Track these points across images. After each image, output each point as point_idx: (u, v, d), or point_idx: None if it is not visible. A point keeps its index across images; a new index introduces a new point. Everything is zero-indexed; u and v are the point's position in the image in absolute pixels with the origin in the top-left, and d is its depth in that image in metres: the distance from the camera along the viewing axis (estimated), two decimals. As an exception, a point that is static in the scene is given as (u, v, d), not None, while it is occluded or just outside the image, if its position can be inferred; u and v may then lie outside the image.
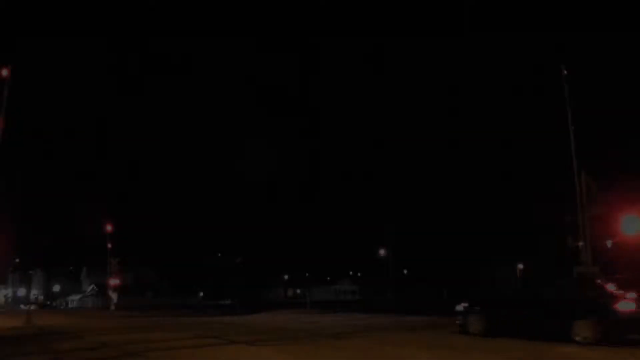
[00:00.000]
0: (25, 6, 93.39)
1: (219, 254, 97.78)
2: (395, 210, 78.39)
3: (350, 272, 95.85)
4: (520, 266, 75.67)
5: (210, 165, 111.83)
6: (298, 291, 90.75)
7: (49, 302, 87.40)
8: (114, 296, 45.20)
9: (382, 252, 77.82)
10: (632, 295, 12.52)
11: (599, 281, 14.46)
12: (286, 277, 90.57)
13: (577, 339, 11.98)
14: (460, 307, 15.07)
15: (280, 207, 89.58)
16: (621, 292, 12.78)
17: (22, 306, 74.22)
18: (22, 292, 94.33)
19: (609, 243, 17.80)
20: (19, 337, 16.54)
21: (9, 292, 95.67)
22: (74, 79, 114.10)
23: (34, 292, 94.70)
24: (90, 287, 77.69)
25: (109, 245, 43.78)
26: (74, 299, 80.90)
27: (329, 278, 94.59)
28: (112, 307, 44.67)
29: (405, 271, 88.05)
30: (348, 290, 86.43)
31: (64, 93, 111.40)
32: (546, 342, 11.87)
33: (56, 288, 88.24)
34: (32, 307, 49.03)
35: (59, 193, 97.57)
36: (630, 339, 11.93)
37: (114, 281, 44.65)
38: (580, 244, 18.39)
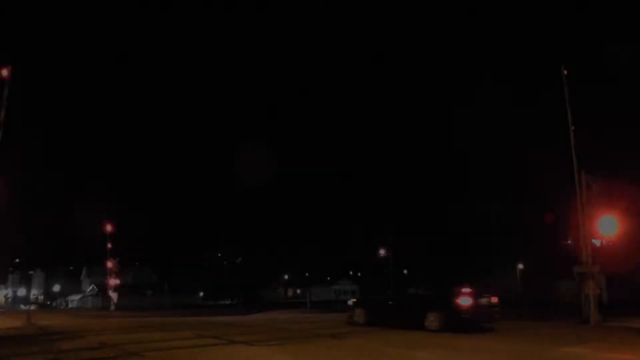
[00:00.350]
0: (27, 6, 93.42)
1: (219, 254, 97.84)
2: (395, 210, 78.42)
3: (351, 272, 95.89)
4: (520, 266, 75.67)
5: (210, 165, 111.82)
6: (298, 291, 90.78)
7: (49, 302, 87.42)
8: (114, 296, 45.18)
9: (382, 252, 77.85)
10: (468, 290, 15.92)
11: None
12: (286, 277, 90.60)
13: (428, 326, 15.48)
14: (350, 303, 19.35)
15: (280, 207, 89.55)
16: (464, 289, 15.90)
17: (22, 306, 74.24)
18: (22, 292, 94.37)
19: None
20: (18, 337, 16.53)
21: (9, 292, 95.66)
22: (74, 79, 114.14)
23: (34, 292, 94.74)
24: (90, 287, 77.71)
25: (109, 245, 43.75)
26: (74, 299, 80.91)
27: (329, 278, 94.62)
28: (112, 307, 44.67)
29: (405, 271, 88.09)
30: (348, 290, 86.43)
31: (64, 93, 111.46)
32: (407, 330, 15.35)
33: (56, 288, 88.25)
34: (32, 307, 49.04)
35: (59, 193, 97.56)
36: (468, 327, 15.05)
37: (114, 281, 44.63)
38: (580, 244, 18.39)
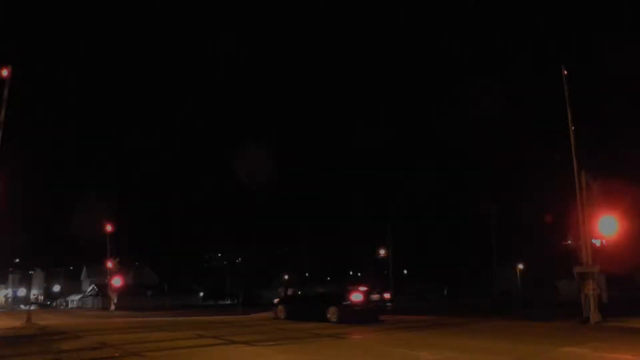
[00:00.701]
0: (29, 6, 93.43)
1: (219, 254, 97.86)
2: (395, 210, 78.41)
3: (351, 272, 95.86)
4: (520, 266, 75.65)
5: (210, 165, 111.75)
6: (299, 292, 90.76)
7: (49, 302, 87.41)
8: (113, 296, 45.19)
9: (382, 252, 77.84)
10: (362, 289, 19.54)
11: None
12: (286, 277, 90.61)
13: (329, 318, 18.70)
14: (275, 302, 23.38)
15: (280, 207, 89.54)
16: (356, 287, 19.48)
17: (22, 306, 74.27)
18: (22, 292, 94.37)
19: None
20: (19, 337, 16.54)
21: (9, 292, 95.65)
22: (73, 78, 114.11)
23: (34, 292, 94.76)
24: (90, 287, 77.68)
25: (109, 245, 43.78)
26: (74, 299, 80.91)
27: (329, 278, 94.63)
28: (112, 307, 44.69)
29: (405, 271, 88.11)
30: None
31: (64, 92, 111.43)
32: (315, 322, 18.47)
33: (56, 288, 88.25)
34: (32, 307, 49.06)
35: (59, 193, 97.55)
36: (359, 319, 18.37)
37: (114, 281, 44.63)
38: (580, 244, 18.38)
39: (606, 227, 17.26)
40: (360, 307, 18.87)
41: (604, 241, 17.74)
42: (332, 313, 18.82)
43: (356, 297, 18.96)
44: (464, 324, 18.04)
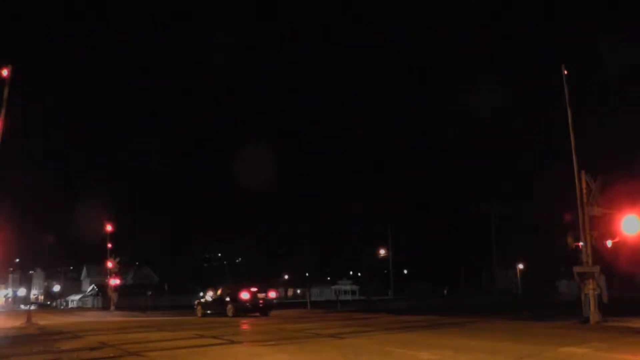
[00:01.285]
0: (29, 6, 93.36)
1: (219, 254, 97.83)
2: (395, 210, 78.36)
3: (351, 272, 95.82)
4: (520, 266, 75.60)
5: (210, 165, 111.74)
6: (298, 291, 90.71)
7: (49, 302, 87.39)
8: (113, 296, 45.15)
9: (382, 252, 77.79)
10: (253, 289, 25.74)
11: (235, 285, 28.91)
12: (286, 277, 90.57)
13: (227, 314, 24.61)
14: (195, 302, 29.83)
15: (280, 207, 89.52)
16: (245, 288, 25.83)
17: (22, 306, 74.24)
18: (22, 292, 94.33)
19: (609, 243, 17.73)
20: (18, 337, 16.54)
21: (9, 292, 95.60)
22: (73, 77, 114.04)
23: (34, 292, 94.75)
24: (90, 287, 77.67)
25: (109, 245, 43.73)
26: (74, 299, 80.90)
27: (329, 278, 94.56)
28: (112, 307, 44.67)
29: (405, 271, 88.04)
30: (348, 290, 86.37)
31: (64, 91, 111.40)
32: (221, 316, 24.58)
33: (56, 288, 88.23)
34: (32, 307, 49.05)
35: (59, 193, 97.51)
36: (249, 312, 25.24)
37: (114, 281, 44.59)
38: (580, 244, 18.36)
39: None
40: (250, 303, 25.28)
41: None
42: (229, 309, 25.09)
43: (244, 295, 25.31)
44: (464, 324, 18.03)
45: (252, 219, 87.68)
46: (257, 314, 25.30)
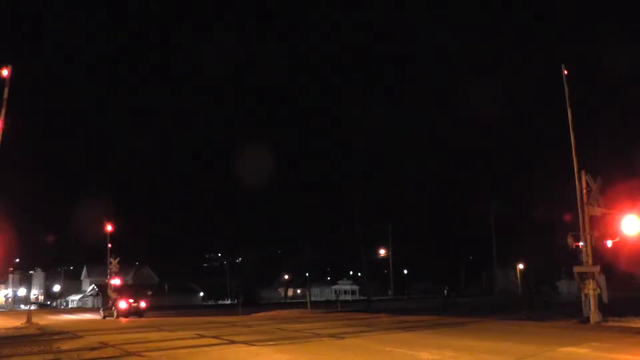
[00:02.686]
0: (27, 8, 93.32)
1: (219, 254, 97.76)
2: (395, 210, 78.31)
3: (351, 272, 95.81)
4: (520, 266, 75.56)
5: (210, 165, 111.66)
6: (298, 291, 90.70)
7: (49, 302, 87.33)
8: (114, 296, 45.13)
9: (382, 252, 77.72)
10: (130, 300, 36.89)
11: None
12: (286, 277, 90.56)
13: (114, 316, 34.22)
14: (101, 307, 41.58)
15: (280, 207, 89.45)
16: (123, 297, 37.10)
17: (22, 306, 74.22)
18: (22, 292, 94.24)
19: (609, 243, 17.70)
20: (18, 337, 16.54)
21: (9, 292, 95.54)
22: (73, 77, 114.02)
23: (34, 292, 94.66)
24: (90, 287, 77.64)
25: (109, 245, 43.68)
26: (74, 299, 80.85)
27: (329, 278, 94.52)
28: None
29: (405, 271, 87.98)
30: (348, 290, 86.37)
31: (64, 91, 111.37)
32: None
33: (56, 288, 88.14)
34: (33, 307, 49.05)
35: (59, 193, 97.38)
36: (127, 316, 34.09)
37: (114, 281, 44.56)
38: (581, 244, 18.35)
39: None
40: (124, 310, 35.06)
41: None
42: (114, 312, 34.67)
43: (122, 304, 35.68)
44: (464, 324, 18.03)
45: (252, 218, 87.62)
46: (133, 317, 33.87)
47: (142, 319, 30.39)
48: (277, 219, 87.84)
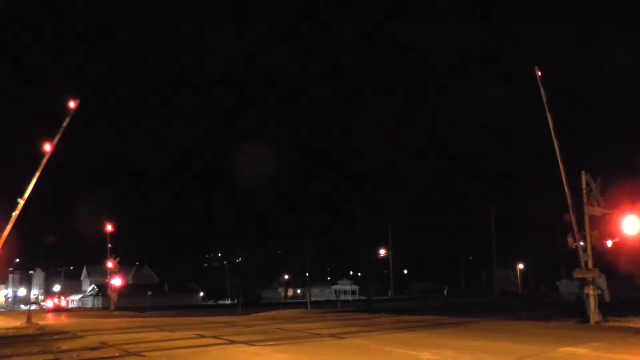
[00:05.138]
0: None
1: (219, 254, 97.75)
2: (395, 210, 78.33)
3: (351, 272, 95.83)
4: (520, 266, 75.53)
5: (210, 165, 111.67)
6: (298, 291, 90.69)
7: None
8: (113, 296, 45.11)
9: (382, 252, 77.68)
10: (54, 299, 56.25)
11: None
12: (286, 277, 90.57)
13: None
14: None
15: (280, 207, 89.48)
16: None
17: (22, 306, 74.22)
18: (22, 292, 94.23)
19: (609, 243, 17.68)
20: (18, 337, 16.53)
21: (9, 292, 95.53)
22: (72, 76, 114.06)
23: (34, 292, 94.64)
24: (90, 287, 77.63)
25: (109, 245, 43.65)
26: (74, 299, 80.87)
27: (329, 278, 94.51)
28: (112, 307, 44.62)
29: (405, 271, 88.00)
30: (348, 290, 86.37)
31: (64, 92, 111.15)
32: None
33: (56, 288, 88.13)
34: (33, 307, 49.10)
35: (59, 193, 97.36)
36: (56, 312, 46.05)
37: (115, 281, 44.54)
38: (581, 244, 18.34)
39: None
40: (53, 306, 44.85)
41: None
42: (46, 309, 42.85)
43: (49, 303, 44.41)
44: (464, 323, 18.02)
45: (252, 219, 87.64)
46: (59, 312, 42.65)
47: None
48: (277, 219, 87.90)
